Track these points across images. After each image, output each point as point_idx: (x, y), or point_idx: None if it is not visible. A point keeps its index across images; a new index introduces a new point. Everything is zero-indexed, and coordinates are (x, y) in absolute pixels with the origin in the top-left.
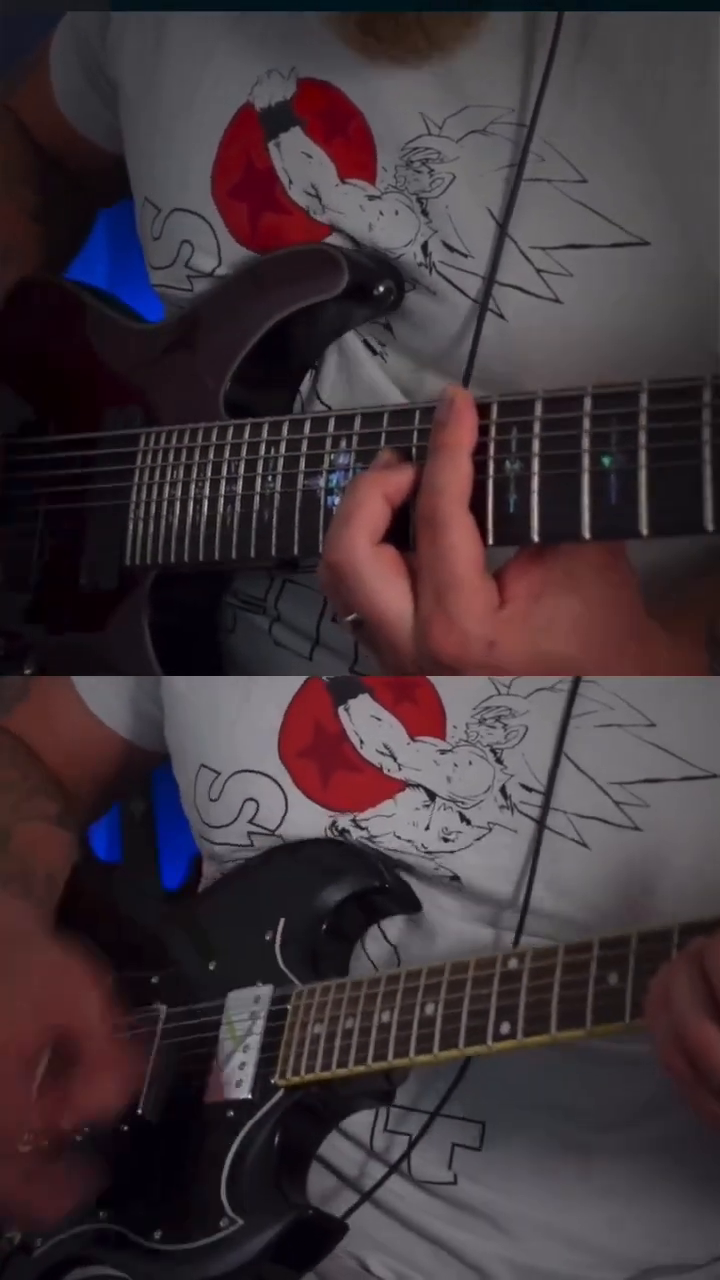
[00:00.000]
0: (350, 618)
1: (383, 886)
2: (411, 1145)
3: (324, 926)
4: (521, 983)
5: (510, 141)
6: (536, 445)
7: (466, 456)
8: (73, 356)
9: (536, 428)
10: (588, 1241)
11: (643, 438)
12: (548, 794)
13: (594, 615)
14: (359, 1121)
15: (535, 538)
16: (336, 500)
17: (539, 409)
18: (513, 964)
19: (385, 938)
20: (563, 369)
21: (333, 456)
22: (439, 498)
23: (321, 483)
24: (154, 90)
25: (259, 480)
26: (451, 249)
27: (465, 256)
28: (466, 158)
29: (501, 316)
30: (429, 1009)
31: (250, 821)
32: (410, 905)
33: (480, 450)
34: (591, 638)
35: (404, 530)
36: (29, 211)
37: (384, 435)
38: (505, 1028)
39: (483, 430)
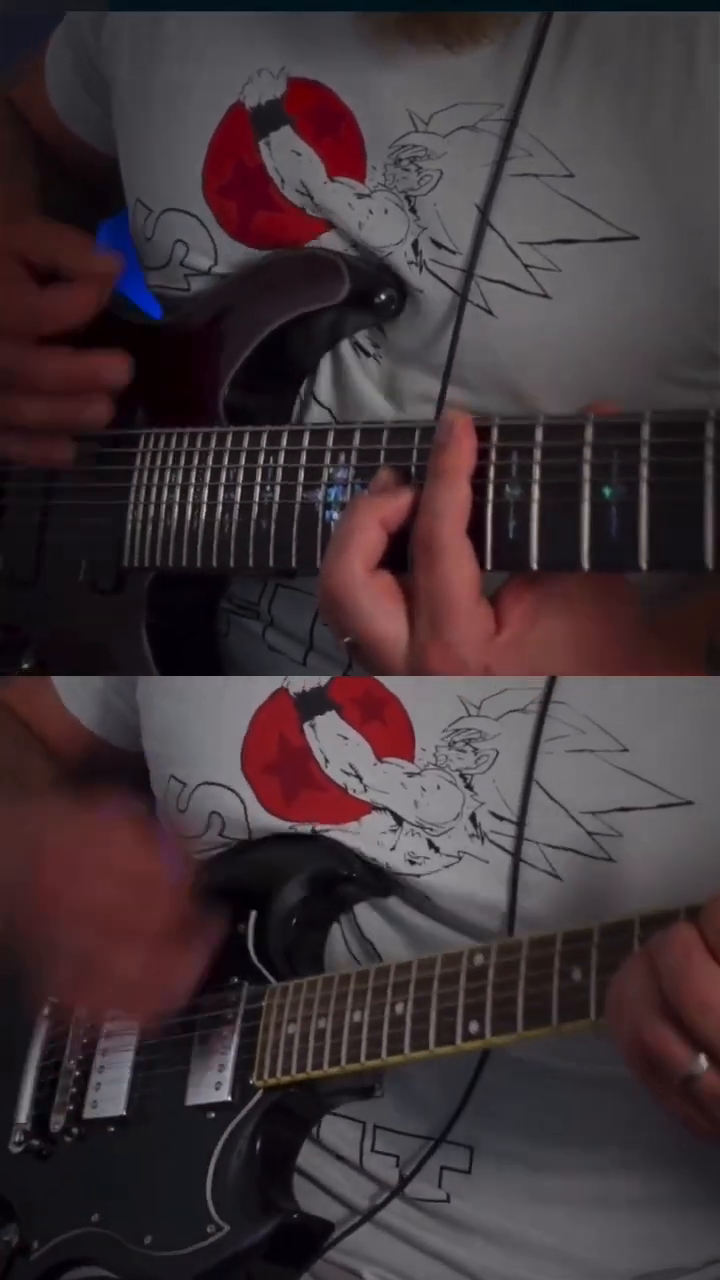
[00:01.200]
0: (346, 640)
1: (349, 874)
2: (414, 1173)
3: (294, 919)
4: (488, 979)
5: (498, 138)
6: (537, 472)
7: (465, 481)
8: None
9: (537, 454)
10: (580, 1257)
11: (644, 470)
12: (520, 825)
13: (591, 637)
14: (346, 1142)
15: (534, 565)
16: (335, 515)
17: (539, 435)
18: (478, 960)
19: (363, 933)
20: (552, 365)
21: (331, 470)
22: (436, 522)
23: (320, 496)
24: (146, 90)
25: (257, 490)
26: (440, 246)
27: (453, 253)
28: (454, 154)
29: (490, 312)
30: (399, 1008)
31: (220, 834)
32: (379, 890)
33: (480, 474)
34: (589, 660)
35: (402, 552)
36: (30, 184)
37: (383, 452)
38: (474, 1027)
39: (483, 453)
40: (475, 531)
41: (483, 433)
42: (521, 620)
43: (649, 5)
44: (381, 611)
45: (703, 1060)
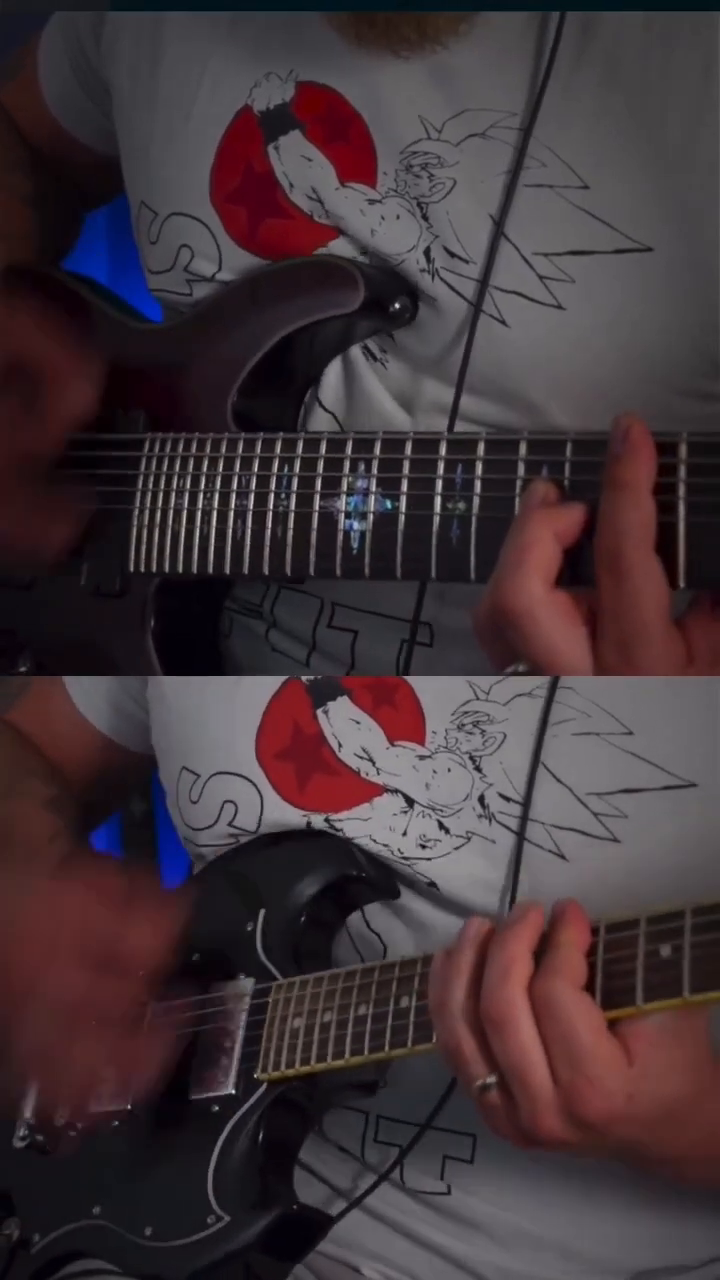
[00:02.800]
0: (515, 669)
1: (360, 875)
2: (403, 1154)
3: (303, 917)
4: None
5: (510, 146)
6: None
7: (648, 494)
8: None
9: (682, 471)
10: (581, 1251)
11: None
12: (526, 805)
13: None
14: (349, 1133)
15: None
16: (355, 525)
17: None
18: None
19: (370, 928)
20: (563, 375)
21: (350, 479)
22: (622, 540)
23: (340, 505)
24: (151, 93)
25: (271, 497)
26: (453, 255)
27: (466, 262)
28: (466, 162)
29: (503, 323)
30: (404, 1001)
31: (230, 824)
32: (388, 892)
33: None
34: None
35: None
36: (21, 197)
37: (407, 462)
38: None
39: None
40: (664, 549)
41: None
42: (710, 652)
43: (648, 5)
44: (563, 634)
45: (492, 1077)
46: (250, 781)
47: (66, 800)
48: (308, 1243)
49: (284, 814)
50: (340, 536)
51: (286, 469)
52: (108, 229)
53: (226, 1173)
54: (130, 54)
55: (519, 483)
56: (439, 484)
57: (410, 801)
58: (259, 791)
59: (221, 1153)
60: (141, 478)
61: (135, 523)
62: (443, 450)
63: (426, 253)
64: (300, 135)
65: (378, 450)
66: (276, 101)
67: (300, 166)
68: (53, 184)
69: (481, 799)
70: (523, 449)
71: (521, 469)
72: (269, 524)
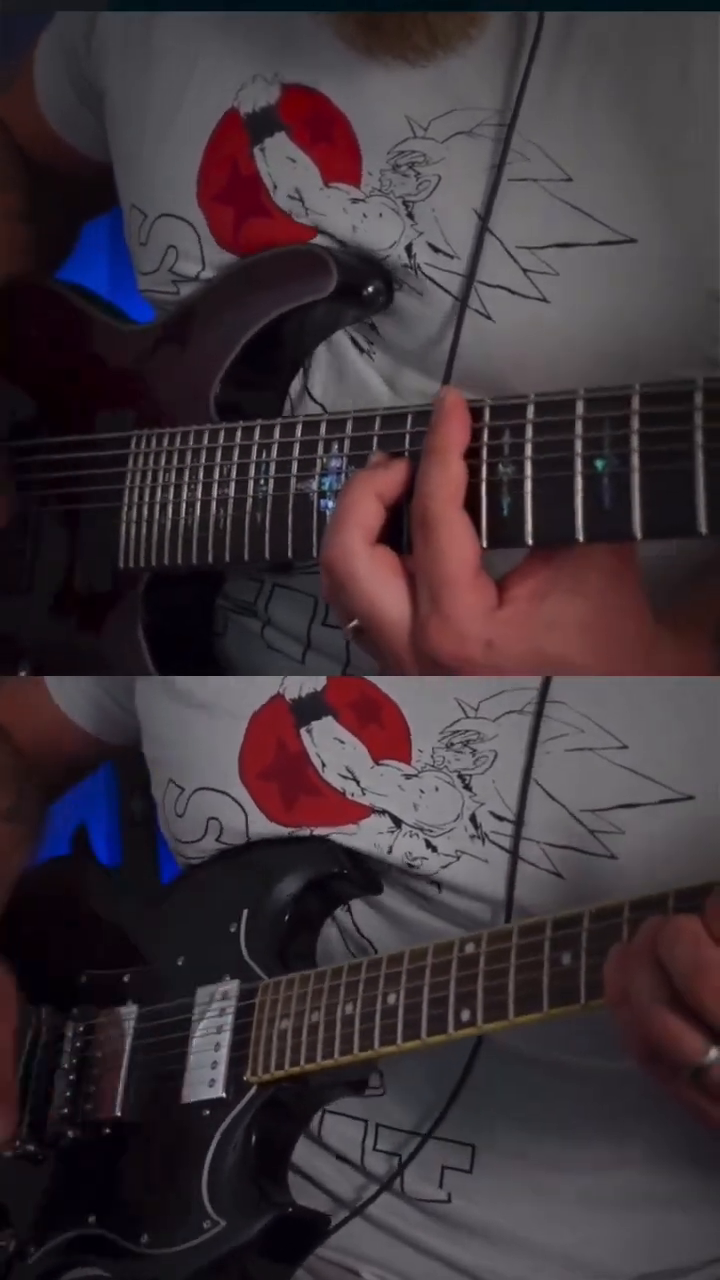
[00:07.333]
0: (352, 624)
1: (341, 871)
2: (402, 1166)
3: (286, 916)
4: (479, 967)
5: (496, 142)
6: (529, 449)
7: (458, 457)
8: (62, 358)
9: (529, 431)
10: (581, 1257)
11: (635, 441)
12: (518, 824)
13: (599, 618)
14: (349, 1142)
15: (529, 540)
16: (330, 504)
17: (531, 412)
18: (469, 948)
19: (359, 932)
20: (551, 368)
21: (324, 459)
22: (429, 500)
23: (314, 485)
24: (140, 96)
25: (251, 483)
26: (437, 250)
27: (451, 257)
28: (452, 159)
29: (488, 317)
30: (391, 999)
31: (217, 840)
32: (371, 887)
33: (474, 454)
34: (596, 640)
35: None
36: (16, 214)
37: (376, 438)
38: (465, 1015)
39: (476, 434)
40: (471, 510)
41: (476, 414)
42: (528, 596)
43: (643, 5)
44: (381, 584)
45: (714, 1052)
46: (235, 800)
47: (29, 802)
48: (305, 1246)
49: (270, 831)
50: (316, 517)
51: (265, 455)
52: (109, 238)
53: (220, 1177)
54: (120, 57)
55: (485, 449)
56: (408, 454)
57: (398, 821)
58: (244, 811)
59: (215, 1157)
60: (129, 475)
61: (124, 519)
62: (409, 423)
63: (408, 249)
64: (286, 137)
65: (349, 429)
66: (262, 104)
67: (285, 168)
68: (48, 197)
69: (473, 818)
70: (487, 415)
71: (486, 435)
72: (249, 510)
